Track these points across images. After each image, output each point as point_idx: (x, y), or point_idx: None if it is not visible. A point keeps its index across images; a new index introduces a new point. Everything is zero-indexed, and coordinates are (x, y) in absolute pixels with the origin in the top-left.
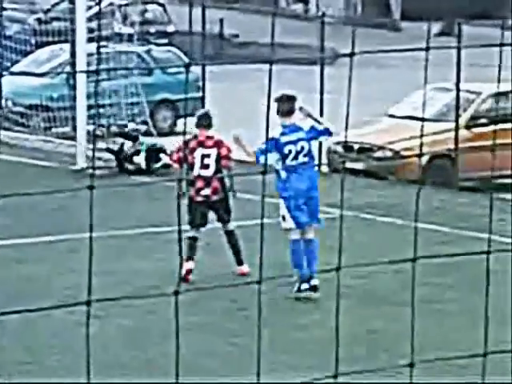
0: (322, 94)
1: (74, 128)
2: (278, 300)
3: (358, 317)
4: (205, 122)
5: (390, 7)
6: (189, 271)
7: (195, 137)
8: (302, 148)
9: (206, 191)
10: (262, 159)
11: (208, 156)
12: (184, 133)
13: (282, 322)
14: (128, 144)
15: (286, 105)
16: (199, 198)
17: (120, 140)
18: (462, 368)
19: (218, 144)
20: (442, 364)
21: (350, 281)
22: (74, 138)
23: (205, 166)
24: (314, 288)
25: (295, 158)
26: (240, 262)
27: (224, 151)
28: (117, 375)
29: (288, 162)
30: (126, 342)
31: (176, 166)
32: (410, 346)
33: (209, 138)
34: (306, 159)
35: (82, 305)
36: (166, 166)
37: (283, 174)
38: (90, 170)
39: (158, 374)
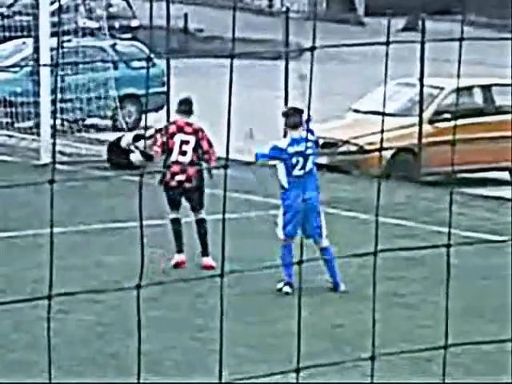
0: (286, 88)
1: (38, 123)
2: (245, 294)
3: (322, 311)
4: (185, 107)
5: (354, 3)
6: (182, 263)
7: (174, 122)
8: (308, 156)
9: (181, 177)
10: (260, 160)
11: (187, 143)
12: (146, 128)
13: (248, 317)
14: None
15: (294, 118)
16: (173, 183)
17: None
18: (427, 361)
19: (197, 132)
20: (406, 357)
21: (314, 276)
22: (37, 133)
23: (183, 153)
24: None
25: (302, 167)
26: (205, 254)
27: (205, 145)
28: (81, 370)
29: (295, 172)
30: (91, 336)
31: (159, 150)
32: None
33: (188, 124)
34: (311, 166)
35: (44, 299)
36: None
37: (286, 185)
38: (57, 165)
39: (123, 369)
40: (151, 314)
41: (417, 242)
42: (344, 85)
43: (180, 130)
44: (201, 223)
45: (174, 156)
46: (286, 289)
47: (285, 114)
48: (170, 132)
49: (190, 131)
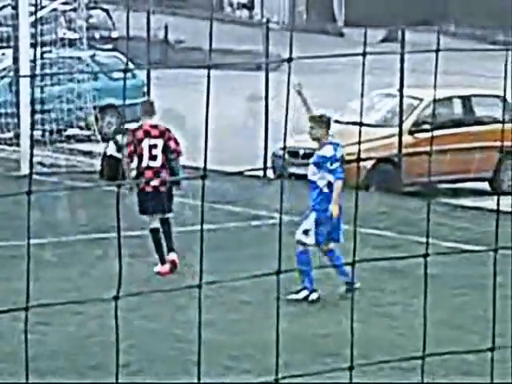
0: (266, 99)
1: (18, 134)
2: (228, 305)
3: (304, 321)
4: (147, 108)
5: (334, 14)
6: (166, 272)
7: (140, 126)
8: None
9: (155, 182)
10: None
11: (155, 147)
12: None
13: (230, 327)
14: None
15: (328, 124)
16: (149, 189)
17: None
18: (408, 371)
19: (164, 134)
20: (388, 367)
21: (295, 286)
22: (17, 144)
23: (153, 157)
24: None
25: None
26: (171, 250)
27: (172, 145)
28: (62, 381)
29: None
30: (72, 347)
31: (128, 160)
32: (355, 349)
33: (153, 126)
34: None
35: (21, 310)
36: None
37: (326, 189)
38: (38, 176)
39: (104, 380)
40: (133, 325)
41: (398, 253)
42: (324, 95)
43: (147, 134)
44: (166, 221)
45: (145, 162)
46: (315, 295)
47: (321, 121)
48: (138, 138)
49: (157, 134)
